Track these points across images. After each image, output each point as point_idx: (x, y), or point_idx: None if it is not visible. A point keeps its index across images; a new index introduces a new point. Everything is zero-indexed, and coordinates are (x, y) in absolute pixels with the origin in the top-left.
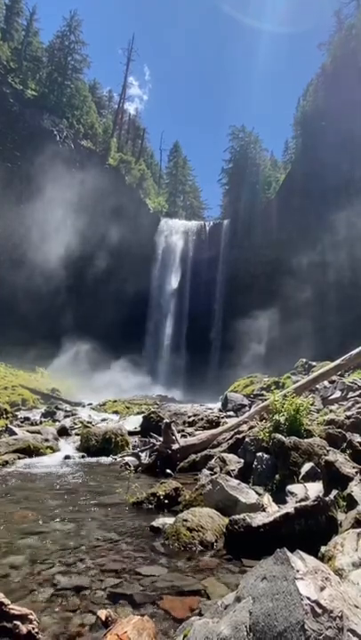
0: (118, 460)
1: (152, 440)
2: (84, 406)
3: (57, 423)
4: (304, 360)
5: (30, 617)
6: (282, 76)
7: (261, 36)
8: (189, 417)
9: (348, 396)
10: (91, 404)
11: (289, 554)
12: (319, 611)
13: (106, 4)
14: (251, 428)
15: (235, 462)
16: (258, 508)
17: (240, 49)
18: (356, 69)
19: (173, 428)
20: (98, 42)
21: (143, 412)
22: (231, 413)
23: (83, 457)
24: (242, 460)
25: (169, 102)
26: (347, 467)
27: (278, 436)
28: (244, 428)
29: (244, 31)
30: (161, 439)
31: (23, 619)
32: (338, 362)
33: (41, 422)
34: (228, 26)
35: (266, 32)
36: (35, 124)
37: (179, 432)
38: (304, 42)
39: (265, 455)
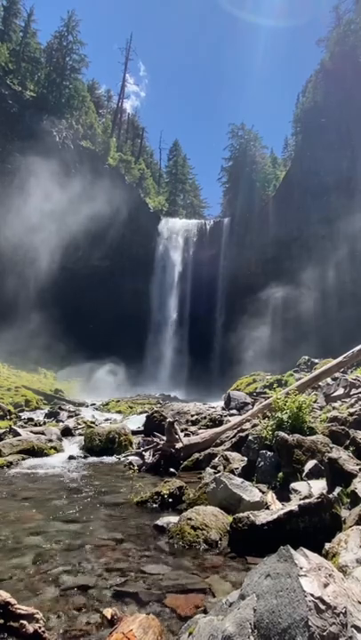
0: (122, 459)
1: (155, 439)
2: (87, 406)
3: (60, 423)
4: (306, 357)
5: (37, 616)
6: (282, 73)
7: (260, 32)
8: (192, 416)
9: (351, 393)
10: (94, 404)
11: (292, 551)
12: (323, 607)
13: (102, 1)
14: (254, 426)
15: (238, 460)
16: (262, 505)
17: (239, 45)
18: (355, 65)
19: (177, 427)
20: (94, 40)
21: (146, 412)
22: (234, 412)
23: (86, 457)
24: (245, 458)
25: (167, 100)
26: (350, 464)
27: (281, 433)
28: (247, 426)
29: (242, 27)
30: (164, 438)
31: (30, 618)
32: (340, 359)
33: (44, 423)
34: (226, 21)
35: (264, 27)
36: (34, 126)
37: (182, 431)
38: (303, 38)
39: (268, 453)
